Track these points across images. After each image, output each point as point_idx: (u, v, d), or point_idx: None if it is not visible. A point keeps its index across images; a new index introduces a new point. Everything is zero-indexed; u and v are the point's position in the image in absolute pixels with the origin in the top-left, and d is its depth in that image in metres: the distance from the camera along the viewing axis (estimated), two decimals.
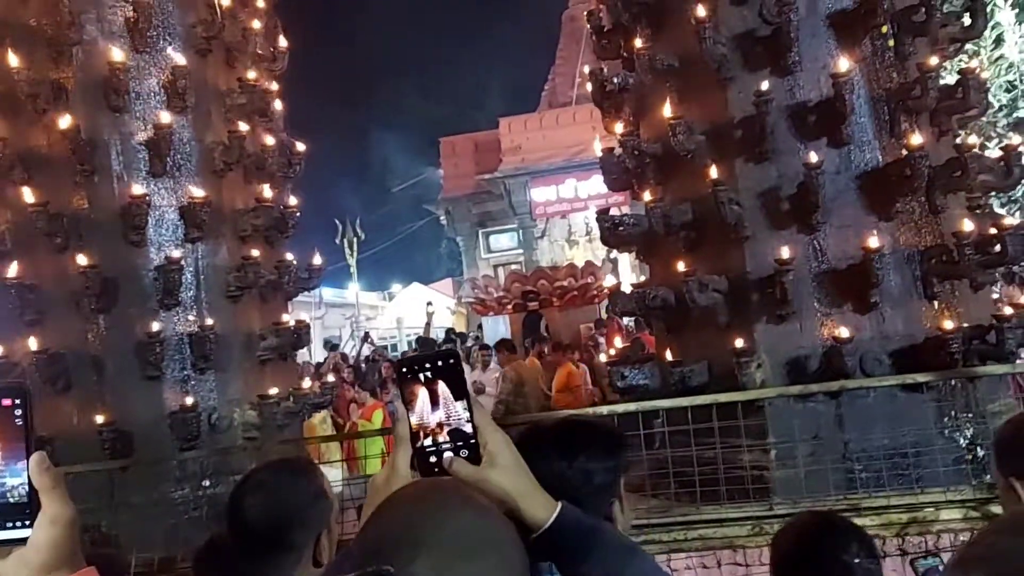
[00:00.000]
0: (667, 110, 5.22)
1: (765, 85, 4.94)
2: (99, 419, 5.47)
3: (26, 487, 0.90)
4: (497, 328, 11.43)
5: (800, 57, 5.09)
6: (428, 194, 29.81)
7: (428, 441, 1.11)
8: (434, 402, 1.11)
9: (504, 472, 1.13)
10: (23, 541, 0.90)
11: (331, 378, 7.38)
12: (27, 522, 0.90)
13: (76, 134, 5.65)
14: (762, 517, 4.35)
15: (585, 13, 6.55)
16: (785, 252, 4.91)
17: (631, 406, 4.83)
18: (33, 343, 5.56)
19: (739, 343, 4.97)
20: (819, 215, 5.00)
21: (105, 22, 5.96)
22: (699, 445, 4.83)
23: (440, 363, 1.11)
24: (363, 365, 12.31)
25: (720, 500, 4.75)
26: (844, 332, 4.81)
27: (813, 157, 4.82)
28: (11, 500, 0.89)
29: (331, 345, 15.30)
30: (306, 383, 6.77)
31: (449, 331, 17.22)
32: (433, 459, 1.11)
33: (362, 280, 27.54)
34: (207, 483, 5.63)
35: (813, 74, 5.13)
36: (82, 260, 5.53)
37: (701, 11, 4.99)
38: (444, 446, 1.11)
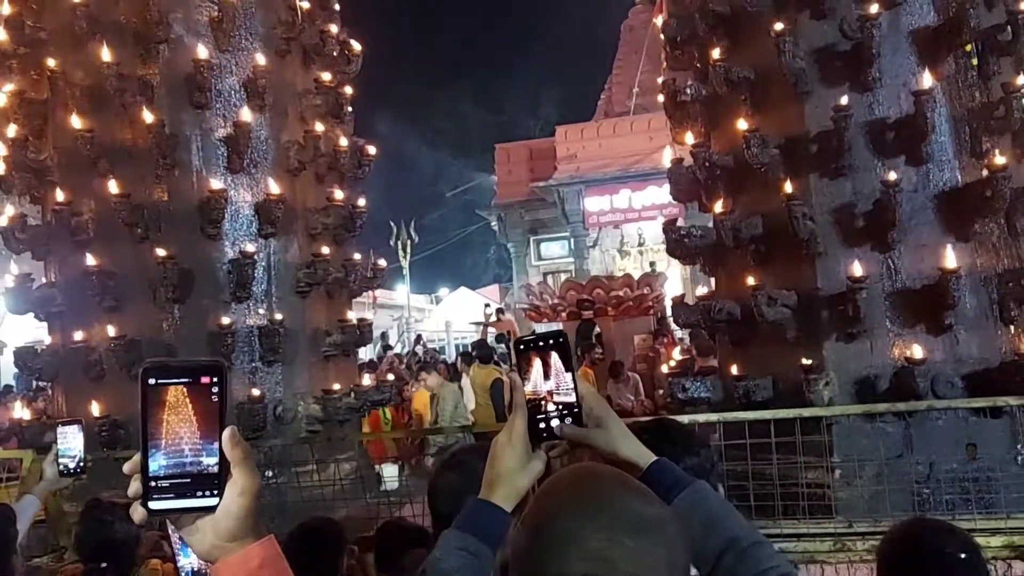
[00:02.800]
0: (742, 122, 5.19)
1: (844, 100, 4.89)
2: None
3: (218, 460, 0.95)
4: None
5: (880, 73, 5.03)
6: (480, 199, 30.00)
7: (542, 407, 1.29)
8: (546, 374, 1.28)
9: (605, 433, 1.31)
10: (212, 509, 0.96)
11: (391, 377, 7.46)
12: (216, 491, 0.96)
13: (160, 129, 5.84)
14: (843, 534, 4.30)
15: (658, 23, 6.55)
16: (858, 269, 4.85)
17: (699, 417, 4.79)
18: (111, 330, 5.75)
19: (807, 360, 4.92)
20: (895, 233, 4.93)
21: (191, 21, 6.16)
22: (756, 460, 4.78)
23: (552, 341, 1.29)
24: (414, 366, 12.44)
25: (775, 516, 4.69)
26: (918, 353, 4.73)
27: (892, 175, 4.76)
28: (205, 471, 0.95)
29: (385, 345, 15.47)
30: (366, 380, 6.88)
31: (499, 336, 17.30)
32: (543, 424, 1.28)
33: (411, 282, 27.77)
34: (270, 473, 5.75)
35: (893, 90, 5.06)
36: (160, 251, 5.71)
37: (780, 25, 4.97)
38: (552, 413, 1.28)
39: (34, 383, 13.69)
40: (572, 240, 21.02)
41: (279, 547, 1.01)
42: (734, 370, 5.37)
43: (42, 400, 8.38)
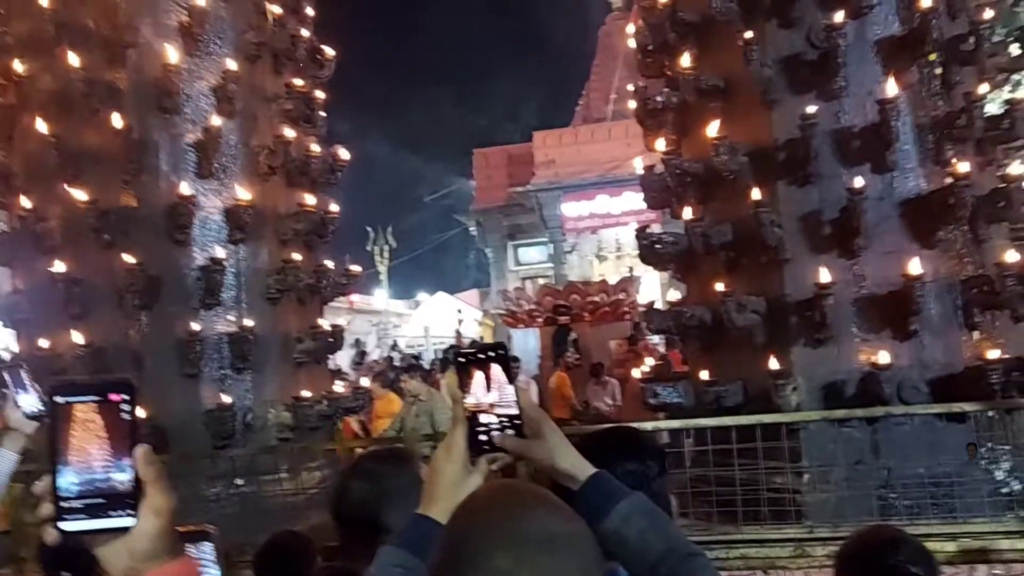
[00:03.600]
0: (711, 130, 5.23)
1: (811, 109, 4.95)
2: (139, 414, 5.55)
3: (131, 479, 0.94)
4: (527, 341, 11.44)
5: (847, 82, 5.09)
6: (459, 204, 29.98)
7: (482, 420, 1.28)
8: (488, 386, 1.28)
9: (544, 444, 1.31)
10: (126, 529, 0.95)
11: (365, 382, 7.43)
12: (131, 511, 0.94)
13: (128, 134, 5.78)
14: (803, 539, 4.33)
15: (629, 30, 6.58)
16: (825, 276, 4.90)
17: (666, 423, 4.82)
18: (77, 337, 5.68)
19: (776, 365, 4.96)
20: (860, 240, 4.99)
21: (160, 25, 6.10)
22: (727, 465, 4.82)
23: (493, 353, 1.29)
24: (390, 373, 12.39)
25: (743, 520, 4.72)
26: (884, 358, 4.78)
27: (858, 182, 4.81)
28: (118, 490, 0.93)
29: (360, 351, 15.41)
30: (338, 387, 6.84)
31: (474, 343, 17.30)
32: (483, 437, 1.28)
33: (390, 287, 27.68)
34: (240, 481, 5.70)
35: (859, 99, 5.12)
36: (128, 258, 5.64)
37: (749, 33, 5.01)
38: (494, 425, 1.28)
39: None
40: (551, 245, 21.07)
41: (196, 567, 1.00)
42: (704, 375, 5.40)
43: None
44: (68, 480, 0.91)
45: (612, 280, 11.51)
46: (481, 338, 19.23)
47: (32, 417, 2.68)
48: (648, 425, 4.94)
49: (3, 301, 6.03)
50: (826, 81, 5.11)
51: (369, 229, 24.75)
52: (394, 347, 14.12)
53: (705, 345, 5.60)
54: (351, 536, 2.06)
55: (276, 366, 6.36)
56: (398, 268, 30.12)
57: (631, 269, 15.32)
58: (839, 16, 4.97)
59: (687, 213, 5.40)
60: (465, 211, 25.99)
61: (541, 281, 20.74)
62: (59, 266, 5.72)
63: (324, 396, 6.53)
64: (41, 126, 5.82)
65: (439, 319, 26.28)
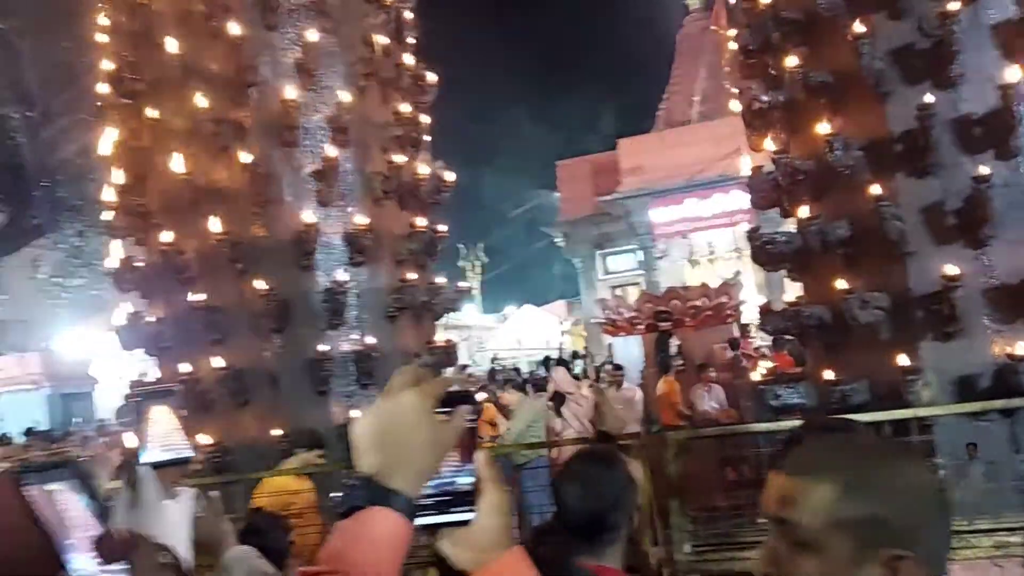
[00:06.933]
0: (823, 126, 5.21)
1: (928, 98, 4.87)
2: (276, 431, 5.87)
3: (473, 480, 1.07)
4: (629, 348, 11.47)
5: (964, 69, 4.99)
6: (542, 217, 30.15)
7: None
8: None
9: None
10: (467, 523, 1.08)
11: (481, 396, 7.61)
12: (472, 507, 1.08)
13: (254, 168, 6.14)
14: (961, 532, 4.21)
15: (724, 32, 6.60)
16: (952, 268, 4.81)
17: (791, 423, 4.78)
18: (217, 361, 6.04)
19: (905, 361, 4.88)
20: (987, 229, 4.87)
21: (278, 64, 6.47)
22: None
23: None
24: (491, 386, 12.59)
25: None
26: (1021, 349, 4.65)
27: (983, 170, 4.71)
28: (462, 490, 1.07)
29: (463, 366, 15.70)
30: None
31: (575, 352, 17.40)
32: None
33: (477, 302, 28.05)
34: None
35: (978, 85, 5.01)
36: (260, 284, 5.98)
37: (859, 27, 4.98)
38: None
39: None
40: (640, 252, 20.96)
41: (524, 557, 1.12)
42: (827, 375, 5.35)
43: None
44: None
45: (712, 284, 11.42)
46: (577, 350, 19.30)
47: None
48: (773, 426, 4.93)
49: (148, 331, 6.45)
50: (941, 69, 5.02)
51: (460, 246, 25.15)
52: (494, 360, 14.39)
53: (827, 344, 5.54)
54: (574, 536, 2.17)
55: None
56: (485, 282, 30.49)
57: (737, 273, 15.09)
58: (953, 4, 4.88)
59: (802, 211, 5.38)
60: (549, 223, 26.10)
61: (631, 289, 20.65)
62: (198, 295, 6.10)
63: None
64: (175, 165, 6.23)
65: (528, 331, 26.43)
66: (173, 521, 1.68)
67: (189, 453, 1.68)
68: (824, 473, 1.13)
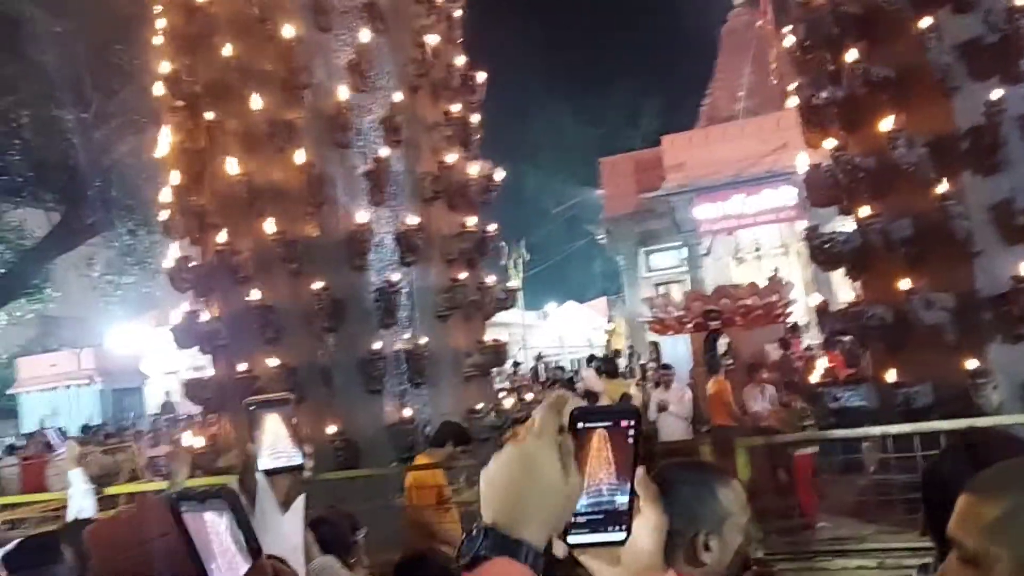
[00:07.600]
0: (885, 123, 5.09)
1: (997, 93, 4.73)
2: (331, 429, 5.92)
3: (628, 498, 1.00)
4: (677, 348, 11.30)
5: None
6: (584, 215, 29.99)
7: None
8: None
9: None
10: (622, 543, 1.03)
11: (529, 396, 7.61)
12: (626, 528, 1.01)
13: (309, 169, 6.20)
14: None
15: (784, 29, 6.48)
16: (1022, 268, 4.67)
17: (883, 430, 4.70)
18: (273, 359, 6.11)
19: (972, 364, 4.75)
20: None
21: (331, 66, 6.52)
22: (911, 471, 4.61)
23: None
24: (536, 385, 12.59)
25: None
26: None
27: None
28: (617, 508, 1.03)
29: (515, 363, 15.69)
30: (508, 401, 7.04)
31: (616, 351, 17.26)
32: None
33: (519, 299, 28.00)
34: None
35: None
36: (315, 284, 6.04)
37: (926, 21, 4.85)
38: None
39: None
40: (684, 249, 20.73)
41: None
42: (890, 377, 5.23)
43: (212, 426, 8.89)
44: (581, 501, 0.97)
45: (761, 282, 11.22)
46: (620, 349, 19.16)
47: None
48: (860, 432, 4.83)
49: (205, 329, 6.54)
50: (1010, 64, 4.88)
51: (503, 244, 25.14)
52: (539, 358, 14.37)
53: (888, 346, 5.42)
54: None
55: (449, 380, 6.62)
56: (527, 280, 30.45)
57: (777, 270, 14.86)
58: None
59: (863, 210, 5.26)
60: (591, 221, 25.95)
61: (675, 287, 20.44)
62: (254, 294, 6.18)
63: (493, 408, 6.75)
64: (231, 167, 6.32)
65: (570, 328, 26.31)
66: (287, 531, 1.67)
67: (300, 460, 1.65)
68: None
